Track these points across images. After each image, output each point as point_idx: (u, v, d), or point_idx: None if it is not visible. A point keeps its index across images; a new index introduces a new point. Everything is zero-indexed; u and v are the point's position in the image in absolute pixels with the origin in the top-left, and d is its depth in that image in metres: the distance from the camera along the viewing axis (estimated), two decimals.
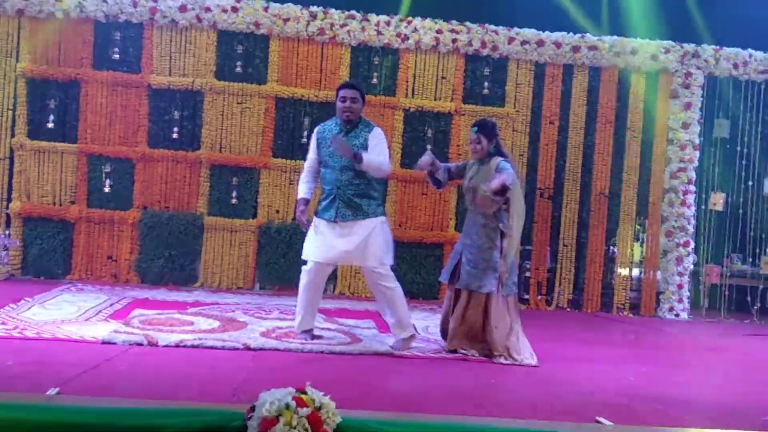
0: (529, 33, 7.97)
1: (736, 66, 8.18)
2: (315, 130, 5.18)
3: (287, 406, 2.69)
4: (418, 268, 7.94)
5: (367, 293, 7.78)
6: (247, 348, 4.71)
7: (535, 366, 4.84)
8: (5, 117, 7.54)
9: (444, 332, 5.21)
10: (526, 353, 4.97)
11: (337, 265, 7.56)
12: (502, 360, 4.88)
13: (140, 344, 4.60)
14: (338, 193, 4.90)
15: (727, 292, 8.36)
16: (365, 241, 4.88)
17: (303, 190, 5.15)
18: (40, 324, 5.02)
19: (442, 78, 7.98)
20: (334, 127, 5.06)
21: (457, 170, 5.28)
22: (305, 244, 5.03)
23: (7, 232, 7.47)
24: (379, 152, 4.91)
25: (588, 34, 8.06)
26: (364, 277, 5.18)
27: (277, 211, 7.79)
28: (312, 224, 5.01)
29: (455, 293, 5.11)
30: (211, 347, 4.66)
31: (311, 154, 5.15)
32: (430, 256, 7.98)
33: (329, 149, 4.94)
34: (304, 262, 5.02)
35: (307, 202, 5.12)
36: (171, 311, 5.91)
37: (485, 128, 5.09)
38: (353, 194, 4.89)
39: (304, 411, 2.69)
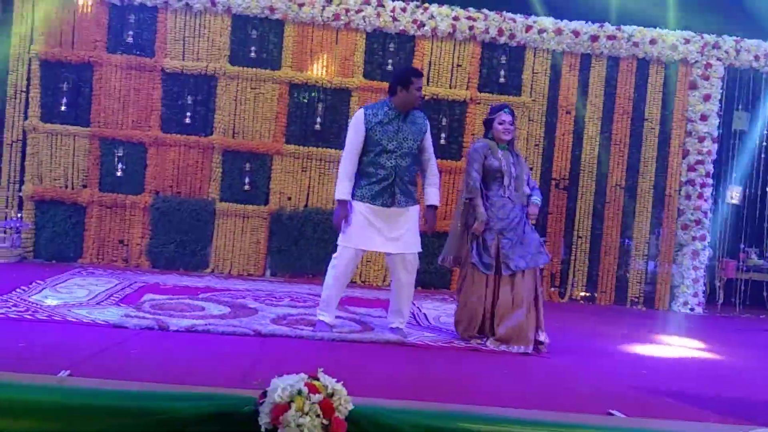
0: (547, 21, 7.87)
1: (756, 58, 8.04)
2: (361, 113, 4.79)
3: (299, 392, 2.67)
4: (430, 258, 7.85)
5: (378, 282, 7.75)
6: (258, 334, 4.70)
7: (538, 354, 4.83)
8: (18, 99, 7.52)
9: (485, 328, 5.05)
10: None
11: None
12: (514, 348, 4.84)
13: (151, 329, 4.59)
14: (396, 179, 4.74)
15: (743, 287, 8.26)
16: (411, 229, 4.84)
17: (347, 189, 4.75)
18: (51, 307, 5.01)
19: (458, 66, 7.89)
20: (389, 111, 4.76)
21: (481, 169, 5.09)
22: (348, 230, 4.75)
23: (19, 215, 7.47)
24: (432, 155, 4.99)
25: (607, 24, 7.93)
26: (391, 264, 4.93)
27: (289, 198, 7.74)
28: (355, 211, 4.76)
29: (494, 281, 5.03)
30: (222, 333, 4.65)
31: (356, 136, 4.75)
32: (441, 245, 7.87)
33: (387, 134, 4.72)
34: (335, 249, 4.84)
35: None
36: (182, 296, 5.91)
37: (514, 113, 5.16)
38: (408, 180, 4.83)
39: (317, 397, 2.68)
